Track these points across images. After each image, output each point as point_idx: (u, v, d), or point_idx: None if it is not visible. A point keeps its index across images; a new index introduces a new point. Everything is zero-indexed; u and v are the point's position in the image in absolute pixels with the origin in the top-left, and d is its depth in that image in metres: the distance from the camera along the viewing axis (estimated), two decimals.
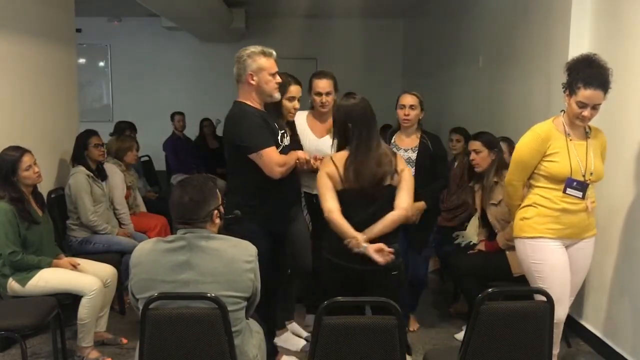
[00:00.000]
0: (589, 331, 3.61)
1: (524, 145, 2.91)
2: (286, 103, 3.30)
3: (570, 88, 2.76)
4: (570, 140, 2.83)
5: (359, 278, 2.74)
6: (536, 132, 2.88)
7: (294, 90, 3.34)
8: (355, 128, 2.74)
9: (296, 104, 3.38)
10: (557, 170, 2.81)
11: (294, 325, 3.76)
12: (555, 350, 2.99)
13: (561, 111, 2.89)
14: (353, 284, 2.75)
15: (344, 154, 2.76)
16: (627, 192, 3.27)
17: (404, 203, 2.75)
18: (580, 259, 2.93)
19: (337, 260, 2.73)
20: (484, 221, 3.72)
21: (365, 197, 2.71)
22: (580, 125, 2.83)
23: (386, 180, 2.74)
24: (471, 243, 4.07)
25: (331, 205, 2.70)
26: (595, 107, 2.73)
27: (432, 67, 7.41)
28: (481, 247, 3.75)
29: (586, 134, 2.88)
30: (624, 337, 3.31)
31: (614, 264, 3.38)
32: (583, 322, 3.70)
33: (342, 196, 2.73)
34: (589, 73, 2.70)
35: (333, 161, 2.77)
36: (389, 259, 2.64)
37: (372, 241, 2.65)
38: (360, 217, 2.70)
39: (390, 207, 2.75)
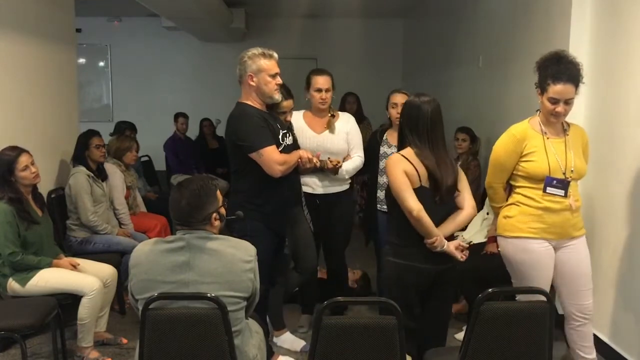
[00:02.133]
0: (595, 335, 3.54)
1: (500, 147, 2.90)
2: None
3: (541, 86, 2.77)
4: (548, 138, 2.81)
5: (431, 278, 2.70)
6: (511, 133, 2.87)
7: (286, 105, 3.35)
8: (428, 127, 2.66)
9: (287, 117, 3.41)
10: (535, 169, 2.79)
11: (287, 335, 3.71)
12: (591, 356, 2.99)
13: (537, 110, 2.88)
14: (424, 285, 2.71)
15: (412, 151, 2.66)
16: (629, 192, 3.27)
17: (471, 202, 2.76)
18: (575, 261, 2.89)
19: (414, 264, 2.66)
20: None
21: (437, 196, 2.66)
22: (555, 122, 2.80)
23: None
24: (472, 243, 4.07)
25: (416, 204, 2.58)
26: (567, 102, 2.71)
27: (432, 67, 7.41)
28: (493, 248, 3.70)
29: (564, 131, 2.85)
30: (629, 341, 3.29)
31: (618, 266, 3.36)
32: None
33: (418, 195, 2.63)
34: (557, 69, 2.71)
35: (406, 158, 2.65)
36: (466, 255, 2.68)
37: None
38: (435, 217, 2.64)
39: (453, 206, 2.74)
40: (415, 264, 2.66)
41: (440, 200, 2.66)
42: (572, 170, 2.79)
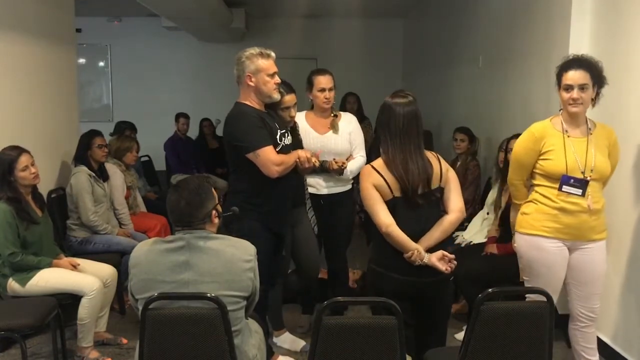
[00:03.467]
0: (597, 337, 3.55)
1: (519, 145, 2.93)
2: (281, 114, 3.24)
3: (558, 82, 2.81)
4: (569, 136, 2.81)
5: (419, 290, 2.57)
6: (530, 131, 2.89)
7: (288, 100, 3.26)
8: (400, 129, 2.52)
9: (292, 112, 3.33)
10: (552, 167, 2.79)
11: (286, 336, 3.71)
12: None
13: (559, 110, 2.89)
14: (407, 295, 2.56)
15: (383, 160, 2.56)
16: (630, 193, 3.26)
17: (458, 204, 2.61)
18: (589, 264, 2.84)
19: (393, 275, 2.54)
20: (503, 221, 3.71)
21: (416, 204, 2.53)
22: (576, 113, 2.77)
23: (434, 183, 2.57)
24: (471, 243, 4.07)
25: (386, 218, 2.50)
26: (583, 89, 2.72)
27: (432, 67, 7.41)
28: (492, 249, 3.70)
29: (588, 129, 2.84)
30: (631, 343, 3.28)
31: (623, 268, 3.34)
32: None
33: (393, 207, 2.52)
34: (568, 60, 2.80)
35: (375, 169, 2.55)
36: (452, 266, 2.51)
37: (430, 249, 2.53)
38: (415, 227, 2.53)
39: (438, 212, 2.60)
40: (394, 275, 2.55)
41: (413, 207, 2.53)
42: (592, 170, 2.77)
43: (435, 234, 2.56)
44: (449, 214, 2.60)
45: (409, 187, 2.51)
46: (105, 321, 3.63)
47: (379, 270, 2.61)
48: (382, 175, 2.53)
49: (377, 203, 2.52)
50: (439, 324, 2.72)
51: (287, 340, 3.63)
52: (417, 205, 2.54)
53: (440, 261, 2.50)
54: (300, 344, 3.60)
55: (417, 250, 2.49)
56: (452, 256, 2.52)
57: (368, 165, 2.62)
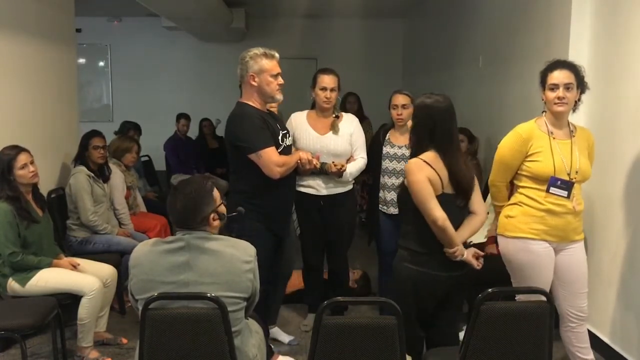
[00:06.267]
0: (595, 335, 3.54)
1: (505, 146, 2.90)
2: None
3: (542, 83, 2.83)
4: (554, 138, 2.82)
5: (447, 286, 2.65)
6: (517, 133, 2.87)
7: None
8: (445, 127, 2.59)
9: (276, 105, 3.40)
10: (540, 169, 2.79)
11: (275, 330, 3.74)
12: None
13: (542, 112, 2.89)
14: (440, 292, 2.67)
15: (433, 155, 2.59)
16: (629, 193, 3.27)
17: (483, 206, 2.72)
18: (575, 264, 2.88)
19: (430, 272, 2.60)
20: None
21: (457, 201, 2.62)
22: (561, 113, 2.78)
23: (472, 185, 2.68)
24: (471, 243, 4.07)
25: (442, 212, 2.52)
26: (568, 88, 2.74)
27: (432, 67, 7.41)
28: (492, 249, 3.69)
29: (571, 132, 2.86)
30: (629, 341, 3.28)
31: (618, 265, 3.36)
32: (588, 326, 3.63)
33: (441, 202, 2.56)
34: (553, 61, 2.82)
35: (428, 163, 2.56)
36: (482, 264, 2.66)
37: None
38: (456, 222, 2.61)
39: (465, 212, 2.69)
40: (431, 272, 2.61)
41: (453, 205, 2.60)
42: (576, 172, 2.78)
43: (466, 232, 2.67)
44: (478, 215, 2.71)
45: (467, 185, 2.60)
46: (105, 321, 3.63)
47: (417, 270, 2.63)
48: (434, 169, 2.56)
49: (431, 197, 2.54)
50: (455, 327, 2.83)
51: (276, 334, 3.64)
52: (458, 204, 2.62)
53: (473, 258, 2.63)
54: (287, 337, 3.63)
55: (460, 246, 2.59)
56: (482, 253, 2.67)
57: (418, 159, 2.60)
